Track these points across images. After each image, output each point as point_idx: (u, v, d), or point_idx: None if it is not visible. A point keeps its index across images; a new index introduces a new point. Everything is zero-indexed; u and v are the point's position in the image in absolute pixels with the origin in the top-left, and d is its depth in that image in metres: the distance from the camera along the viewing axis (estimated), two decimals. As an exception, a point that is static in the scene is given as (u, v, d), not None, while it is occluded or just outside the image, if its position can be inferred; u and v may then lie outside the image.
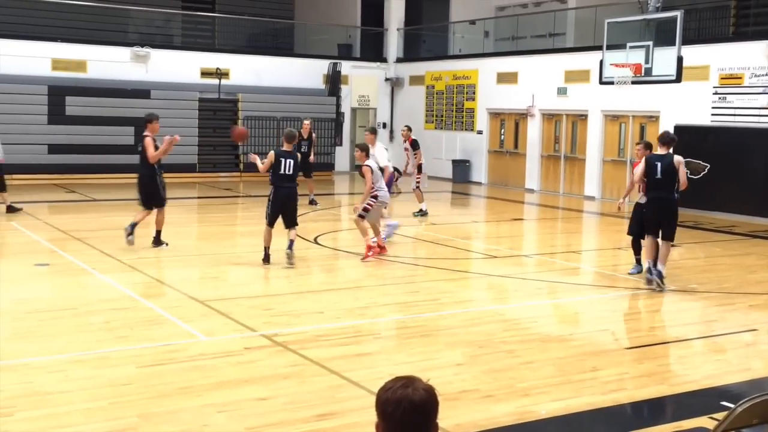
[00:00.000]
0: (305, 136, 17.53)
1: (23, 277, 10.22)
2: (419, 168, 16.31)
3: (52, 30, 23.20)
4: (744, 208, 16.86)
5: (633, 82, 18.32)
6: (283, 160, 10.96)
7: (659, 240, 10.05)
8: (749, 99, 17.28)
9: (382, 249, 11.68)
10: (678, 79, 17.35)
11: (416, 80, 26.64)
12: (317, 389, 6.16)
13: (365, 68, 26.77)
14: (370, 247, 11.51)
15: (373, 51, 27.66)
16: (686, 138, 18.24)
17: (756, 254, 13.19)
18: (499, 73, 23.48)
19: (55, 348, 7.04)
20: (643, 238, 10.48)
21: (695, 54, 17.70)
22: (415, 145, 16.52)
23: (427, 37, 28.20)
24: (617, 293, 9.96)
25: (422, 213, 16.32)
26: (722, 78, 17.78)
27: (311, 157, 17.52)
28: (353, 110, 26.71)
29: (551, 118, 22.25)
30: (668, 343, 8.00)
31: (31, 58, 21.40)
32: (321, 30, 28.45)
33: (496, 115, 24.03)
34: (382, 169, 12.19)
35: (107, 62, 22.38)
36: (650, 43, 18.06)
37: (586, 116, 21.08)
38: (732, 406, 3.69)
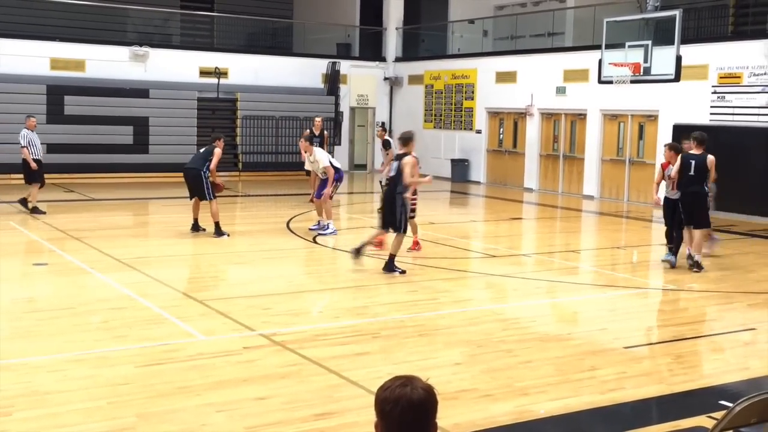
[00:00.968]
0: (317, 133, 17.60)
1: (22, 276, 10.22)
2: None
3: (50, 29, 23.20)
4: (742, 207, 16.86)
5: (632, 82, 18.32)
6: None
7: (693, 229, 11.25)
8: (748, 98, 17.28)
9: (417, 245, 12.18)
10: (677, 78, 17.35)
11: (415, 79, 26.64)
12: (316, 389, 6.16)
13: (364, 67, 26.77)
14: (416, 242, 12.12)
15: (372, 50, 27.66)
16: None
17: (754, 253, 13.19)
18: (498, 73, 23.48)
19: (54, 347, 7.04)
20: (674, 229, 11.64)
21: (694, 53, 17.70)
22: (386, 144, 16.62)
23: (425, 37, 28.20)
24: (616, 293, 9.97)
25: None
26: (721, 77, 17.78)
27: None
28: (352, 109, 26.71)
29: (550, 117, 22.25)
30: (666, 342, 8.00)
31: (30, 58, 21.39)
32: (320, 29, 28.45)
33: (495, 115, 24.03)
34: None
35: (106, 62, 22.37)
36: (649, 42, 18.06)
37: (584, 115, 21.09)
38: (730, 405, 3.69)
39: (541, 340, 7.81)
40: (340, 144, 25.70)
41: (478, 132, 24.35)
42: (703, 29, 20.82)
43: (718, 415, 4.40)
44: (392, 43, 27.26)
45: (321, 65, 25.41)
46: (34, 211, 15.01)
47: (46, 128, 21.12)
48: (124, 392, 5.95)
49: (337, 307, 8.94)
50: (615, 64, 18.47)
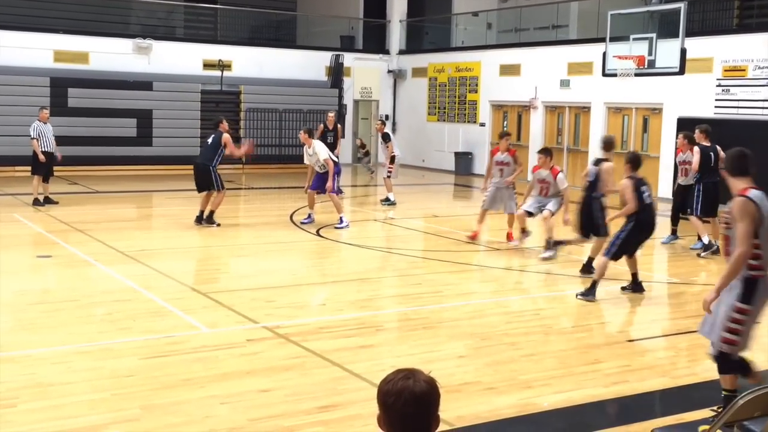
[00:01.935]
0: (330, 128, 17.58)
1: (26, 268, 10.23)
2: (392, 159, 16.68)
3: (54, 21, 23.20)
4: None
5: (636, 75, 18.29)
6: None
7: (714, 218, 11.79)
8: (753, 91, 17.22)
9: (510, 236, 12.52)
10: (681, 71, 17.32)
11: (419, 72, 26.59)
12: (319, 381, 6.16)
13: (368, 60, 26.72)
14: (511, 235, 12.50)
15: (376, 43, 27.60)
16: (689, 130, 18.20)
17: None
18: (502, 65, 23.42)
19: (58, 339, 7.05)
20: (683, 213, 12.26)
21: (699, 46, 17.65)
22: (386, 137, 16.81)
23: (429, 29, 28.12)
24: (619, 285, 9.95)
25: (389, 202, 16.58)
26: (726, 70, 17.72)
27: (337, 149, 17.56)
28: (356, 102, 26.67)
29: (554, 110, 22.21)
30: (670, 335, 8.00)
31: (34, 50, 21.38)
32: (323, 22, 28.40)
33: (499, 108, 23.98)
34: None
35: (109, 54, 22.35)
36: (653, 35, 18.02)
37: (589, 108, 21.03)
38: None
39: (544, 333, 7.81)
40: (344, 137, 25.60)
41: (482, 125, 24.32)
42: (707, 22, 20.75)
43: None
44: (396, 35, 27.20)
45: (324, 58, 25.37)
46: (35, 203, 15.01)
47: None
48: (128, 384, 5.97)
49: (340, 299, 8.95)
50: (619, 57, 18.43)
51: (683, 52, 17.09)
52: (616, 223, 9.40)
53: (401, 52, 27.19)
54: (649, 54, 17.77)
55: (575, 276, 10.50)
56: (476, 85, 24.42)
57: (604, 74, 19.00)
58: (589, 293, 8.95)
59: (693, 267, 11.21)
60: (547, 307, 9.11)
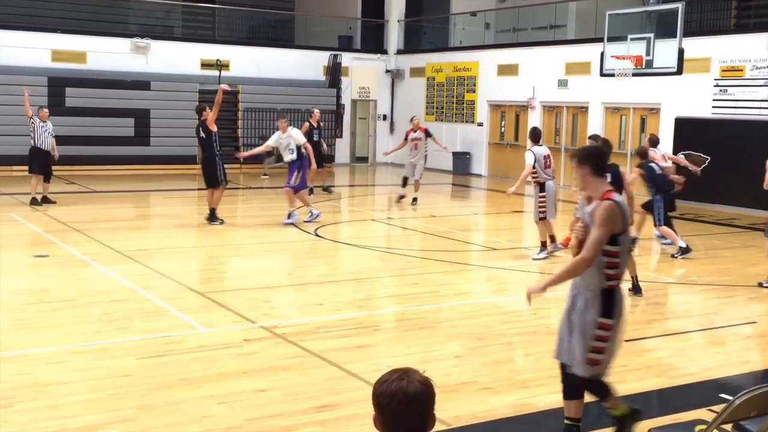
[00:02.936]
0: (315, 125, 17.55)
1: (23, 268, 10.23)
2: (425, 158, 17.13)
3: (51, 21, 23.17)
4: (744, 200, 16.83)
5: (634, 75, 18.28)
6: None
7: None
8: (750, 91, 17.24)
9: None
10: (679, 71, 17.31)
11: (417, 72, 26.60)
12: (317, 381, 6.16)
13: (366, 60, 26.72)
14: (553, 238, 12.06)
15: (374, 43, 27.61)
16: (687, 130, 18.26)
17: (756, 247, 13.15)
18: (500, 65, 23.43)
19: (55, 339, 7.05)
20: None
21: (696, 46, 17.66)
22: (428, 133, 17.36)
23: (427, 29, 28.13)
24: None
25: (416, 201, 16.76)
26: (723, 70, 17.74)
27: (323, 147, 17.53)
28: (353, 102, 26.68)
29: (552, 110, 22.22)
30: (667, 335, 8.00)
31: (31, 49, 21.37)
32: (321, 21, 28.39)
33: (497, 107, 23.99)
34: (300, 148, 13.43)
35: (107, 53, 22.34)
36: (651, 35, 18.01)
37: (586, 108, 21.05)
38: (730, 398, 3.70)
39: (541, 332, 7.81)
40: (341, 137, 25.69)
41: (480, 125, 24.32)
42: (705, 22, 20.76)
43: (719, 408, 4.41)
44: (394, 35, 27.20)
45: (322, 58, 25.37)
46: (33, 202, 14.99)
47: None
48: (125, 384, 5.96)
49: (338, 299, 8.95)
50: (617, 57, 18.42)
51: (681, 52, 17.10)
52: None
53: (399, 52, 27.19)
54: (647, 54, 17.77)
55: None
56: (474, 84, 24.42)
57: (602, 74, 19.00)
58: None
59: (690, 267, 11.21)
60: (543, 307, 9.11)
